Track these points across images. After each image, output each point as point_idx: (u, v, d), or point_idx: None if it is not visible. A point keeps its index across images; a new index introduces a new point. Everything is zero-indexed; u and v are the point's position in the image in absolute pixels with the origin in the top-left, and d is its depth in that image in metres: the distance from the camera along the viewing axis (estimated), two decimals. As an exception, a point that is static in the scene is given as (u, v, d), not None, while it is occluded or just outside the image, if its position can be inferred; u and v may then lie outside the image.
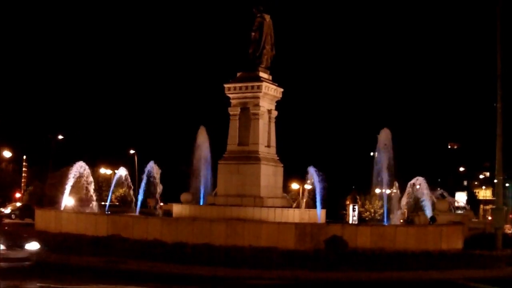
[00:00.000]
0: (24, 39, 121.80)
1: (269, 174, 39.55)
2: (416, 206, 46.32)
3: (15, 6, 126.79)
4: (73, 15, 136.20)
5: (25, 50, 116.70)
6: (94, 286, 22.27)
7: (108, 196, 53.98)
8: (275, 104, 41.23)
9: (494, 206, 46.32)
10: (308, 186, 46.27)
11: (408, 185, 41.68)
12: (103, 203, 52.05)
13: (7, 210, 66.34)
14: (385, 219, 41.73)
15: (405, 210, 49.40)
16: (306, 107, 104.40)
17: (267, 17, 40.50)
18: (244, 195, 38.11)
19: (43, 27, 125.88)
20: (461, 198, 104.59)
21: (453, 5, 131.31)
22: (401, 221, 44.29)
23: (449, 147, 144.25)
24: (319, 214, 39.05)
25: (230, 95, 40.04)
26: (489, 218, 74.64)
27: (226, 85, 40.05)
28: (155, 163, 42.43)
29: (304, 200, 45.40)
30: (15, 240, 26.13)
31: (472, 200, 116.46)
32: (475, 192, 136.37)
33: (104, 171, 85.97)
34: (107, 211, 44.75)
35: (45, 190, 69.50)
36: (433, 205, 42.52)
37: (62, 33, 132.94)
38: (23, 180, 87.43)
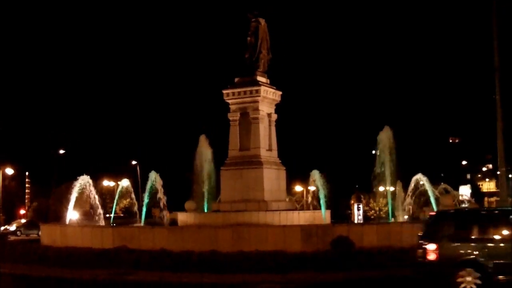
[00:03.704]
0: (21, 55, 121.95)
1: (272, 178, 39.56)
2: (420, 202, 46.32)
3: (13, 24, 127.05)
4: (74, 31, 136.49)
5: (22, 66, 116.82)
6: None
7: (112, 208, 54.03)
8: (275, 107, 41.28)
9: (498, 198, 46.31)
10: (312, 188, 46.29)
11: (411, 182, 41.71)
12: (107, 215, 52.12)
13: (13, 227, 66.61)
14: (390, 217, 41.75)
15: (410, 207, 49.38)
16: (306, 108, 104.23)
17: (262, 21, 40.53)
18: (248, 200, 38.12)
19: (41, 43, 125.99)
20: (465, 191, 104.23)
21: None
22: (406, 217, 44.26)
23: (450, 141, 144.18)
24: (324, 215, 39.08)
25: (229, 101, 40.08)
26: (494, 210, 74.50)
27: (224, 91, 40.09)
28: (157, 172, 42.48)
29: (309, 202, 45.40)
30: None
31: (476, 193, 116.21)
32: (479, 185, 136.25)
33: (107, 183, 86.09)
34: (112, 223, 44.77)
35: (49, 205, 69.71)
36: (437, 201, 42.54)
37: (59, 50, 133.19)
38: (26, 197, 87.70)
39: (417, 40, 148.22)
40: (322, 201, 39.11)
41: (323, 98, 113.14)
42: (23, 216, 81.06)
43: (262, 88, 39.32)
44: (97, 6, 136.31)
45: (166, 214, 46.43)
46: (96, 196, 41.42)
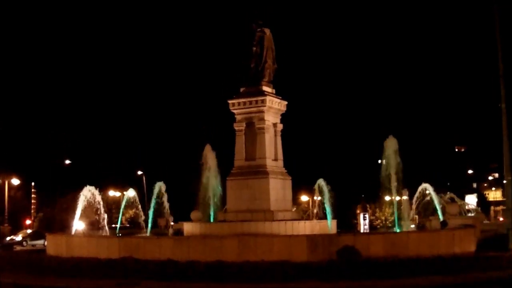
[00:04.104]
0: (26, 65, 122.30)
1: (278, 188, 39.56)
2: (426, 211, 46.23)
3: (17, 33, 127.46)
4: (83, 42, 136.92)
5: (27, 76, 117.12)
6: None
7: (118, 218, 54.01)
8: (280, 117, 41.31)
9: (504, 207, 46.25)
10: (317, 197, 46.18)
11: (417, 191, 41.65)
12: (113, 225, 52.11)
13: (19, 238, 66.65)
14: (396, 226, 41.67)
15: (416, 216, 49.24)
16: (311, 118, 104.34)
17: (267, 31, 40.63)
18: (254, 210, 38.11)
19: (47, 54, 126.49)
20: (471, 200, 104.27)
21: (453, 7, 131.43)
22: (412, 226, 44.15)
23: (456, 150, 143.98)
24: (330, 224, 39.01)
25: (235, 111, 40.14)
26: (501, 219, 74.53)
27: (230, 101, 40.15)
28: (163, 182, 42.47)
29: (314, 211, 45.34)
30: None
31: (483, 202, 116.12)
32: (485, 194, 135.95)
33: (113, 193, 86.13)
34: (118, 233, 44.75)
35: (55, 215, 69.72)
36: (444, 210, 42.46)
37: (65, 59, 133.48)
38: (32, 207, 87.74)
39: (422, 49, 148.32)
40: (328, 211, 39.03)
41: (329, 108, 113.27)
42: (29, 226, 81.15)
43: (268, 98, 39.37)
44: (104, 21, 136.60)
45: (171, 224, 46.42)
46: (102, 206, 41.41)
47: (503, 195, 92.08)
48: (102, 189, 56.28)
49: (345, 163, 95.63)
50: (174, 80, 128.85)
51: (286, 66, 46.84)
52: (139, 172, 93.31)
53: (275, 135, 40.72)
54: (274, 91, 40.77)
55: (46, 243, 43.54)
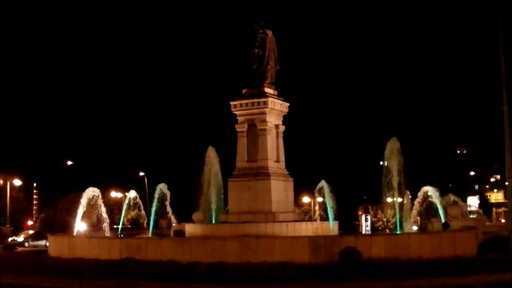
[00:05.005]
0: (28, 67, 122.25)
1: (280, 189, 39.52)
2: (428, 213, 46.19)
3: (17, 33, 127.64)
4: (86, 37, 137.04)
5: (29, 77, 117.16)
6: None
7: (120, 219, 54.06)
8: (282, 118, 41.29)
9: (506, 209, 46.23)
10: (319, 199, 46.23)
11: (419, 193, 41.63)
12: (115, 226, 52.12)
13: (20, 238, 66.56)
14: (398, 228, 41.66)
15: (418, 218, 49.19)
16: (313, 119, 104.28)
17: (269, 33, 40.60)
18: (256, 211, 38.08)
19: (48, 54, 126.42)
20: (473, 202, 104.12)
21: (456, 10, 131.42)
22: (414, 228, 44.12)
23: (458, 152, 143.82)
24: (332, 226, 39.00)
25: (237, 112, 40.11)
26: (502, 221, 74.47)
27: (232, 103, 40.12)
28: (165, 184, 42.49)
29: (317, 213, 45.35)
30: None
31: (484, 204, 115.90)
32: (487, 196, 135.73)
33: (114, 194, 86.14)
34: (120, 234, 44.79)
35: (56, 216, 69.72)
36: (446, 211, 42.45)
37: (67, 60, 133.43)
38: (34, 208, 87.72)
39: (424, 51, 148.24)
40: (330, 212, 39.04)
41: (331, 109, 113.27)
42: (31, 227, 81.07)
43: (270, 100, 39.35)
44: (106, 22, 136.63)
45: (173, 225, 46.43)
46: (104, 208, 41.46)
47: (505, 197, 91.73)
48: (104, 190, 56.37)
49: (347, 165, 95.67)
50: (176, 81, 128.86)
51: (289, 67, 46.87)
52: (141, 173, 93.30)
53: (277, 137, 40.69)
54: (276, 92, 40.74)
55: (47, 244, 43.57)
